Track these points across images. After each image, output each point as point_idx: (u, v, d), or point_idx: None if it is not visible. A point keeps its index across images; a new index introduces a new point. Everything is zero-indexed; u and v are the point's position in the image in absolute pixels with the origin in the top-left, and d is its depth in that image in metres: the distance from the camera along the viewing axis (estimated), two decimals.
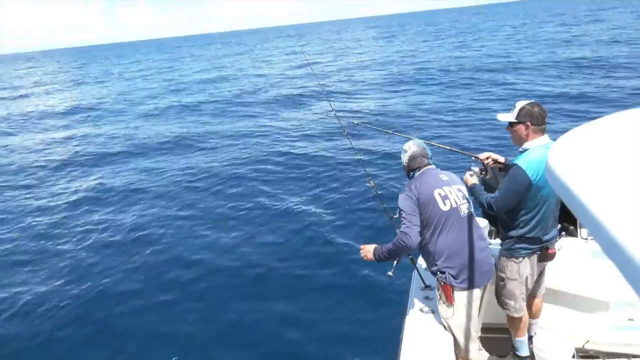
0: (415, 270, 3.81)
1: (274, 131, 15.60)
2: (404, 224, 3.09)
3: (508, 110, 3.29)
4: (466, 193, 3.28)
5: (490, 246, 3.38)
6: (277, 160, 12.16)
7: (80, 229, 8.99)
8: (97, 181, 12.01)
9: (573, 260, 3.77)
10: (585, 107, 14.21)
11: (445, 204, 3.10)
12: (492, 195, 3.20)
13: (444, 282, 3.11)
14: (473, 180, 3.48)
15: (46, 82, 47.11)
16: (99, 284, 6.86)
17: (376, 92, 21.14)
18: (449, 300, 3.12)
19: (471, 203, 3.24)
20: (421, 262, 3.94)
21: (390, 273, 3.46)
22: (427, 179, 3.21)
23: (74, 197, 10.94)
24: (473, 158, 3.71)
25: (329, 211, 8.60)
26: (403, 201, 3.12)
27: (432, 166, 3.38)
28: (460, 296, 3.11)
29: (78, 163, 14.18)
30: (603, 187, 0.87)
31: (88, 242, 8.32)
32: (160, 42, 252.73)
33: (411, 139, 3.53)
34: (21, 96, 36.35)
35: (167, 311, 6.05)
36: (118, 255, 7.74)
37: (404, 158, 3.39)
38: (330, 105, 5.73)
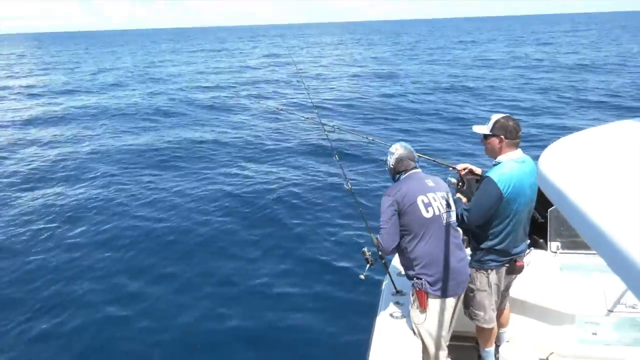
0: (388, 275, 3.81)
1: (247, 133, 15.42)
2: (381, 228, 3.15)
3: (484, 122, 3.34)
4: (450, 201, 3.24)
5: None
6: (247, 163, 11.81)
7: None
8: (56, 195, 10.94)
9: (541, 272, 3.83)
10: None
11: (427, 211, 3.07)
12: (465, 207, 3.25)
13: (419, 288, 3.10)
14: (464, 166, 3.59)
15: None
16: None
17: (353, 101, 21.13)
18: (423, 306, 3.12)
19: (453, 212, 3.22)
20: (394, 267, 3.94)
21: (362, 276, 3.47)
22: (412, 184, 3.17)
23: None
24: (450, 169, 3.74)
25: (304, 213, 8.55)
26: (383, 205, 3.14)
27: (419, 170, 3.33)
28: (434, 303, 3.11)
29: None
30: (593, 190, 0.87)
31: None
32: (140, 33, 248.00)
33: (396, 142, 3.45)
34: None
35: (126, 327, 5.67)
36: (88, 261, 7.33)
37: (390, 160, 3.32)
38: (318, 116, 5.62)
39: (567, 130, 13.27)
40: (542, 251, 4.15)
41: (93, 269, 6.89)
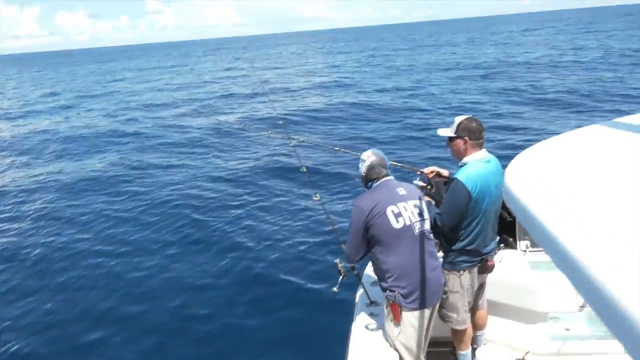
0: (361, 286, 3.77)
1: (211, 145, 15.25)
2: (347, 241, 3.14)
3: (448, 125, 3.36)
4: (424, 209, 3.19)
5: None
6: (213, 179, 11.51)
7: None
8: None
9: (512, 272, 3.86)
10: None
11: (397, 222, 3.01)
12: (437, 211, 3.24)
13: (392, 301, 3.05)
14: (432, 169, 3.60)
15: None
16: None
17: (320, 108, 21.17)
18: (397, 319, 3.07)
19: (426, 220, 3.16)
20: (367, 277, 3.90)
21: (335, 289, 3.42)
22: (382, 193, 3.12)
23: None
24: (418, 172, 3.75)
25: (273, 229, 8.41)
26: (352, 215, 3.10)
27: (391, 177, 3.28)
28: (408, 316, 3.06)
29: None
30: (557, 208, 0.85)
31: None
32: (101, 52, 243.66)
33: (368, 149, 3.40)
34: None
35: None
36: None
37: (362, 168, 3.28)
38: (284, 129, 5.58)
39: (528, 130, 13.63)
40: (512, 250, 4.19)
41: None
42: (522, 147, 1.24)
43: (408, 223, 3.03)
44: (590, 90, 19.24)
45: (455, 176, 3.19)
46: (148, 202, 10.11)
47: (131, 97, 30.29)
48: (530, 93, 19.97)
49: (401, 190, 3.14)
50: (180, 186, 10.99)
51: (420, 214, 3.12)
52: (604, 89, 19.12)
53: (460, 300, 3.36)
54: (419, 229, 3.07)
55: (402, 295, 3.01)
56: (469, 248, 3.27)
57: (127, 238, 8.40)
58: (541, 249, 4.06)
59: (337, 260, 3.51)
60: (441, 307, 3.41)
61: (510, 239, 4.26)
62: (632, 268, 0.66)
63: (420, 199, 3.20)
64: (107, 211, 9.77)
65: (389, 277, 3.03)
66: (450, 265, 3.35)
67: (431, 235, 3.18)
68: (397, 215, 3.02)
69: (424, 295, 3.02)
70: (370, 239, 3.07)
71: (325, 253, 7.08)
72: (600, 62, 27.68)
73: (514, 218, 4.14)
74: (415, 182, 3.64)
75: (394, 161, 4.16)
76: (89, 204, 10.29)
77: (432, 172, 3.65)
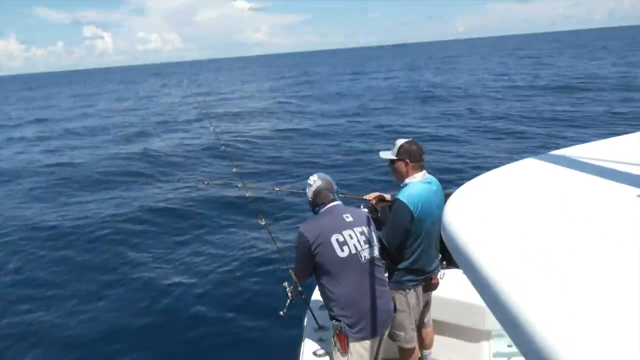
0: (309, 310, 3.72)
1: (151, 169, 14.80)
2: (295, 267, 3.14)
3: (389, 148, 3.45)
4: (372, 235, 3.12)
5: None
6: (146, 210, 10.80)
7: None
8: None
9: (455, 290, 3.93)
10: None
11: (343, 251, 2.94)
12: (381, 232, 3.29)
13: (339, 331, 2.98)
14: (374, 195, 3.65)
15: None
16: None
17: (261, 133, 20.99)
18: (344, 349, 3.00)
19: (374, 247, 3.09)
20: (315, 301, 3.87)
21: (282, 313, 3.36)
22: (327, 221, 3.06)
23: None
24: (361, 200, 3.81)
25: (217, 249, 8.28)
26: (298, 242, 3.06)
27: (338, 203, 3.22)
28: (355, 346, 2.99)
29: None
30: (489, 250, 0.87)
31: None
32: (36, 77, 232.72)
33: (315, 174, 3.37)
34: None
35: None
36: None
37: (309, 193, 3.25)
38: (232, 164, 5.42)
39: (466, 154, 14.16)
40: (455, 268, 4.28)
41: None
42: (459, 171, 1.26)
43: (354, 252, 2.97)
44: (521, 114, 20.23)
45: (397, 197, 3.27)
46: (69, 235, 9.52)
47: (60, 125, 28.90)
48: (467, 117, 20.79)
49: (348, 217, 3.09)
50: (112, 218, 10.34)
51: (368, 241, 3.05)
52: (536, 114, 20.09)
53: (407, 319, 3.40)
54: (365, 256, 3.01)
55: (348, 325, 2.94)
56: (413, 267, 3.34)
57: (47, 278, 7.79)
58: None
59: (285, 284, 3.40)
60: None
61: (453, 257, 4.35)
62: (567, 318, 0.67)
63: (368, 224, 3.15)
64: (30, 246, 9.09)
65: (335, 306, 2.98)
66: (395, 284, 3.38)
67: (380, 262, 3.13)
68: (342, 244, 2.96)
69: (371, 324, 2.96)
70: (315, 266, 3.02)
71: (273, 276, 6.97)
72: (531, 87, 29.28)
73: None
74: (361, 209, 3.69)
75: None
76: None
77: (374, 198, 3.73)
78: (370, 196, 3.74)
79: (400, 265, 3.36)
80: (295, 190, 4.37)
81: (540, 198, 1.09)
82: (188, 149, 17.68)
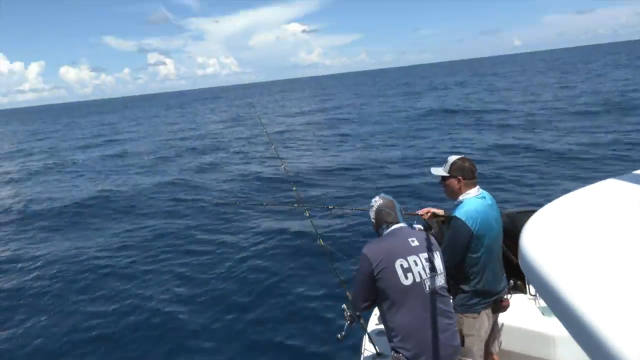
0: (366, 336, 3.62)
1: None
2: (354, 289, 2.98)
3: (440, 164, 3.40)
4: (438, 262, 2.93)
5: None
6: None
7: None
8: None
9: (523, 318, 3.72)
10: None
11: (407, 278, 2.77)
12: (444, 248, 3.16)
13: None
14: (427, 210, 3.54)
15: None
16: None
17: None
18: None
19: (439, 275, 2.90)
20: (372, 326, 3.76)
21: (339, 336, 3.29)
22: (393, 244, 2.90)
23: None
24: (413, 215, 3.69)
25: (278, 271, 8.27)
26: (360, 264, 2.91)
27: (403, 225, 3.06)
28: None
29: None
30: (574, 281, 0.80)
31: None
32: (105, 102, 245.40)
33: (377, 195, 3.26)
34: None
35: None
36: None
37: (371, 213, 3.14)
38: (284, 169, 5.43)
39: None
40: (521, 294, 4.06)
41: None
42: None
43: (418, 280, 2.79)
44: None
45: (454, 214, 3.18)
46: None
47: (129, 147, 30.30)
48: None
49: (413, 241, 2.92)
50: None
51: (433, 269, 2.87)
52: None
53: (476, 344, 3.25)
54: (430, 285, 2.82)
55: (407, 358, 2.76)
56: (480, 287, 3.21)
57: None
58: None
59: (344, 306, 3.35)
60: None
61: (519, 282, 4.13)
62: None
63: (434, 250, 2.97)
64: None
65: (395, 337, 2.82)
66: (464, 308, 3.25)
67: (445, 291, 2.94)
68: (407, 271, 2.79)
69: (433, 358, 2.76)
70: (377, 291, 2.85)
71: (331, 298, 6.91)
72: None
73: None
74: (414, 225, 3.59)
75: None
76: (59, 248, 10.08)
77: (427, 213, 3.61)
78: (423, 212, 3.64)
79: (467, 287, 3.24)
80: (351, 210, 4.24)
81: (626, 222, 0.99)
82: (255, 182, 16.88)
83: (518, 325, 3.62)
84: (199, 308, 7.23)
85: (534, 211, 3.97)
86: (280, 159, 9.43)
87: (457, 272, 3.21)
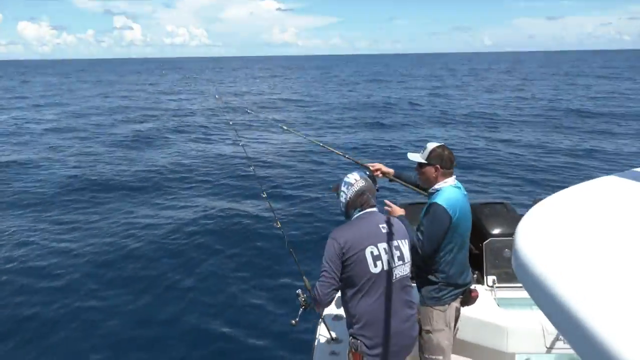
0: (321, 321, 3.53)
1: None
2: (320, 277, 2.74)
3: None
4: (406, 250, 2.84)
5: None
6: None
7: None
8: None
9: (479, 309, 3.71)
10: None
11: (375, 266, 2.67)
12: (418, 235, 3.04)
13: (355, 349, 2.73)
14: (399, 210, 3.26)
15: None
16: None
17: None
18: None
19: (407, 263, 2.81)
20: (329, 311, 3.67)
21: (294, 321, 3.15)
22: (363, 229, 2.76)
23: None
24: (363, 166, 3.54)
25: (230, 253, 8.05)
26: (327, 250, 2.73)
27: (375, 209, 2.90)
28: None
29: None
30: (570, 284, 0.74)
31: None
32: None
33: (353, 172, 3.01)
34: None
35: None
36: None
37: (348, 193, 2.87)
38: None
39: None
40: (479, 285, 4.06)
41: None
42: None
43: (386, 268, 2.70)
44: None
45: (434, 201, 3.05)
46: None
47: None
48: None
49: (384, 227, 2.80)
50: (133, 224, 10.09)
51: (401, 257, 2.79)
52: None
53: (446, 339, 3.13)
54: (397, 274, 2.74)
55: (366, 345, 2.67)
56: (452, 279, 3.10)
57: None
58: (509, 285, 3.97)
59: (299, 291, 3.18)
60: (424, 350, 3.15)
61: (477, 273, 4.14)
62: None
63: (404, 238, 2.87)
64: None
65: (355, 324, 2.72)
66: (432, 300, 3.12)
67: (409, 281, 2.87)
68: (376, 258, 2.68)
69: (392, 349, 2.69)
70: (343, 278, 2.71)
71: (286, 282, 6.74)
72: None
73: (480, 250, 4.04)
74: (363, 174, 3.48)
75: (336, 150, 4.05)
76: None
77: (377, 170, 3.48)
78: (375, 166, 3.50)
79: (436, 278, 3.10)
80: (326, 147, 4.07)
81: (628, 220, 0.93)
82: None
83: (473, 315, 3.60)
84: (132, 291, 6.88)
85: (496, 203, 3.93)
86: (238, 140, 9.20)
87: (428, 261, 3.09)
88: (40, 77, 79.79)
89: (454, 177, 3.18)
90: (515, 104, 29.03)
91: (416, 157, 3.22)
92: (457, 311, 3.28)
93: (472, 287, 3.30)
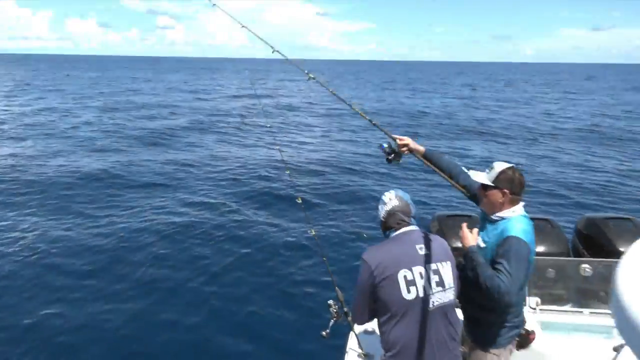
0: (352, 334, 3.47)
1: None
2: (353, 302, 2.67)
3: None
4: (449, 274, 2.59)
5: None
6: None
7: None
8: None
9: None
10: None
11: (409, 292, 2.47)
12: (499, 277, 2.53)
13: None
14: (473, 239, 2.78)
15: None
16: None
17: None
18: None
19: (448, 290, 2.55)
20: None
21: (324, 333, 3.11)
22: (397, 250, 2.58)
23: None
24: (389, 136, 3.31)
25: (263, 260, 7.91)
26: (360, 271, 2.61)
27: (414, 228, 2.68)
28: None
29: None
30: None
31: None
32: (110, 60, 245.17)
33: (392, 190, 2.84)
34: None
35: None
36: None
37: (381, 212, 2.74)
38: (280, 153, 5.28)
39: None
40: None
41: None
42: None
43: (422, 295, 2.48)
44: None
45: (512, 234, 2.65)
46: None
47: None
48: None
49: (422, 249, 2.58)
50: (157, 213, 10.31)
51: (442, 283, 2.55)
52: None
53: None
54: (436, 302, 2.51)
55: None
56: (513, 319, 2.78)
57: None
58: (554, 307, 3.80)
59: (331, 301, 3.13)
60: None
61: None
62: None
63: (446, 260, 2.62)
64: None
65: (389, 350, 2.54)
66: (488, 342, 2.81)
67: (453, 309, 2.62)
68: (410, 284, 2.49)
69: None
70: (375, 302, 2.57)
71: (319, 291, 6.52)
72: None
73: None
74: (382, 144, 3.30)
75: (367, 116, 3.69)
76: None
77: (405, 146, 3.19)
78: (403, 140, 3.20)
79: (502, 318, 2.76)
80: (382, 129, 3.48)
81: None
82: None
83: None
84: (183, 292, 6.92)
85: (539, 219, 3.67)
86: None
87: (513, 303, 2.66)
88: (90, 72, 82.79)
89: (522, 204, 2.82)
90: (555, 118, 28.26)
91: (481, 177, 2.86)
92: (510, 353, 2.93)
93: (529, 328, 2.97)
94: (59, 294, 6.71)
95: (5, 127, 21.52)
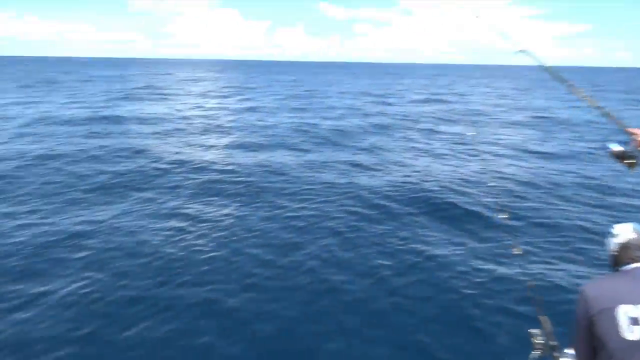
0: None
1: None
2: (575, 336, 2.45)
3: None
4: None
5: None
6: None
7: None
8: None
9: None
10: None
11: (631, 331, 2.20)
12: None
13: None
14: None
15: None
16: None
17: None
18: None
19: None
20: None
21: None
22: (620, 284, 2.34)
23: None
24: (621, 127, 2.80)
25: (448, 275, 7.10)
26: (577, 303, 2.40)
27: None
28: None
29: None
30: None
31: None
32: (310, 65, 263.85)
33: (627, 223, 2.58)
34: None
35: None
36: None
37: (611, 245, 2.56)
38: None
39: None
40: None
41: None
42: None
43: None
44: None
45: None
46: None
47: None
48: None
49: None
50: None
51: None
52: None
53: None
54: None
55: None
56: None
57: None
58: None
59: (535, 331, 2.85)
60: None
61: None
62: None
63: None
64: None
65: None
66: None
67: None
68: (633, 322, 2.21)
69: None
70: (593, 337, 2.34)
71: (519, 319, 5.47)
72: None
73: None
74: (610, 145, 2.73)
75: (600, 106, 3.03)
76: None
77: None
78: (635, 130, 2.70)
79: None
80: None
81: None
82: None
83: None
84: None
85: None
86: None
87: None
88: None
89: None
90: None
91: None
92: None
93: None
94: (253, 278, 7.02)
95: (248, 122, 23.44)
